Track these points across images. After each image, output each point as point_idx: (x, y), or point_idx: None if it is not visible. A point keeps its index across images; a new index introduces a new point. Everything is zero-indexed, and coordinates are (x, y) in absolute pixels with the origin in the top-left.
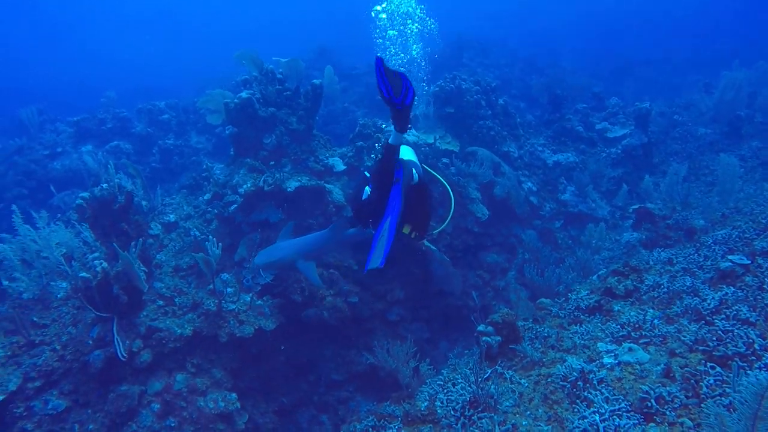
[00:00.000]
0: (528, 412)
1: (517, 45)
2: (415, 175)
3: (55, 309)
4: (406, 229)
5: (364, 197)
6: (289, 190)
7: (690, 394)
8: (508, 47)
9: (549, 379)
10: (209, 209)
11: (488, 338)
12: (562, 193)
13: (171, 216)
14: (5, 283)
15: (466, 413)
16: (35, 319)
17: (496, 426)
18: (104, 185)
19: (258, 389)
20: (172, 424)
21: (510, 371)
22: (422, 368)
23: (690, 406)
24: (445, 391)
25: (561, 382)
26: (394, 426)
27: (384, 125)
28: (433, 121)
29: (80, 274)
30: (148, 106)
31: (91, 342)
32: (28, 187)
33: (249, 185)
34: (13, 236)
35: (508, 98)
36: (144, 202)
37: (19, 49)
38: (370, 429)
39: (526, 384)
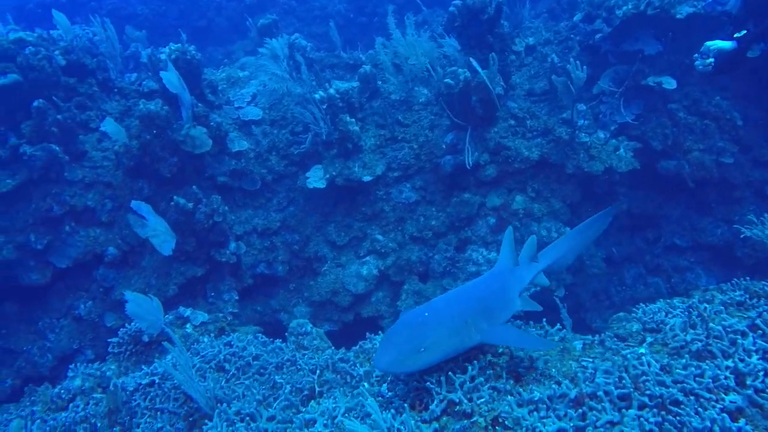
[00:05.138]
0: None
1: None
2: None
3: (416, 112)
4: None
5: None
6: (678, 16)
7: None
8: None
9: None
10: (571, 35)
11: None
12: None
13: (530, 39)
14: (379, 83)
15: None
16: (399, 117)
17: None
18: None
19: None
20: None
21: None
22: None
23: None
24: None
25: None
26: None
27: None
28: None
29: (445, 80)
30: None
31: (444, 147)
32: (397, 3)
33: (629, 7)
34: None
35: None
36: (505, 23)
37: None
38: (737, 305)
39: None
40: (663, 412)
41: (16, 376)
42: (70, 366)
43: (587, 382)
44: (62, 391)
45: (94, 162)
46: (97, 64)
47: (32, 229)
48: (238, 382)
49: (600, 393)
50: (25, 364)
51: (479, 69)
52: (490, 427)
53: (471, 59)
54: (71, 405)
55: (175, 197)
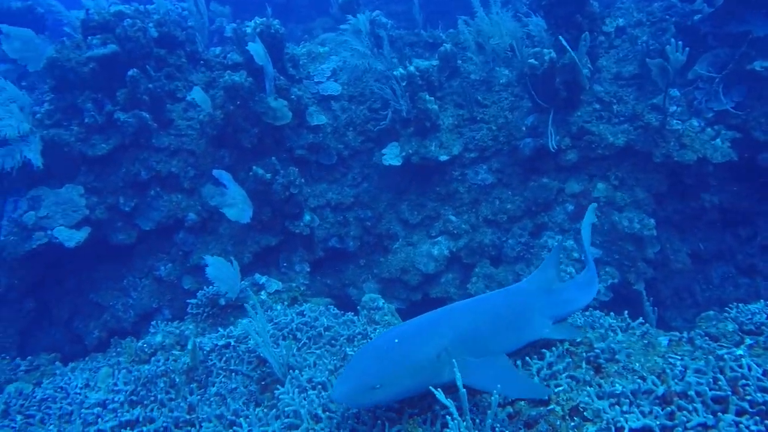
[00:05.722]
0: None
1: None
2: None
3: (496, 93)
4: None
5: None
6: None
7: None
8: None
9: None
10: (666, 16)
11: None
12: None
13: (620, 20)
14: (459, 62)
15: None
16: (479, 98)
17: None
18: None
19: (676, 224)
20: None
21: None
22: None
23: None
24: None
25: None
26: None
27: None
28: None
29: (529, 61)
30: None
31: (524, 129)
32: None
33: None
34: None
35: None
36: (594, 2)
37: None
38: None
39: None
40: (767, 422)
41: (102, 329)
42: (152, 323)
43: (676, 380)
44: (145, 346)
45: (179, 130)
46: (186, 37)
47: (121, 192)
48: (309, 351)
49: (691, 393)
50: (110, 318)
51: (569, 48)
52: (567, 417)
53: (561, 38)
54: (153, 359)
55: (254, 167)
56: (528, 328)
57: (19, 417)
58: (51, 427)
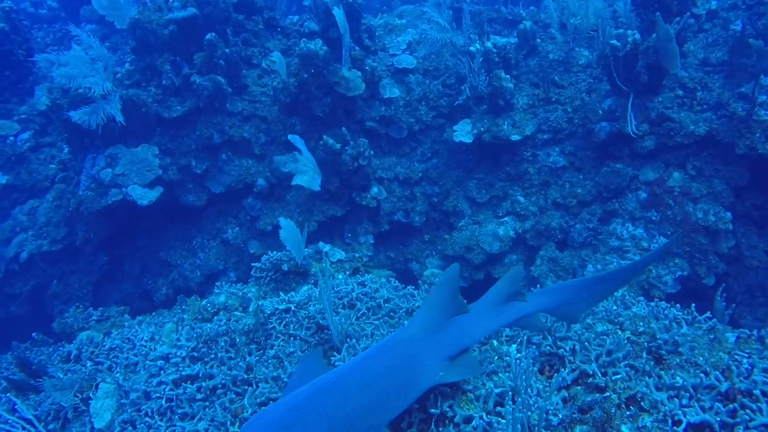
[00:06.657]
0: None
1: None
2: None
3: (574, 74)
4: None
5: None
6: None
7: None
8: None
9: None
10: None
11: None
12: None
13: (713, 2)
14: (537, 41)
15: None
16: (556, 78)
17: None
18: None
19: (755, 220)
20: (653, 218)
21: None
22: None
23: None
24: None
25: None
26: None
27: None
28: None
29: (610, 41)
30: None
31: (601, 112)
32: None
33: None
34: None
35: None
36: None
37: None
38: None
39: None
40: None
41: (170, 286)
42: (217, 283)
43: (742, 378)
44: (208, 305)
45: (253, 96)
46: (265, 3)
47: (194, 155)
48: (367, 321)
49: (757, 392)
50: (178, 277)
51: (666, 26)
52: (623, 406)
53: (658, 14)
54: (215, 318)
55: (324, 137)
56: (416, 382)
57: (89, 363)
58: (117, 375)
